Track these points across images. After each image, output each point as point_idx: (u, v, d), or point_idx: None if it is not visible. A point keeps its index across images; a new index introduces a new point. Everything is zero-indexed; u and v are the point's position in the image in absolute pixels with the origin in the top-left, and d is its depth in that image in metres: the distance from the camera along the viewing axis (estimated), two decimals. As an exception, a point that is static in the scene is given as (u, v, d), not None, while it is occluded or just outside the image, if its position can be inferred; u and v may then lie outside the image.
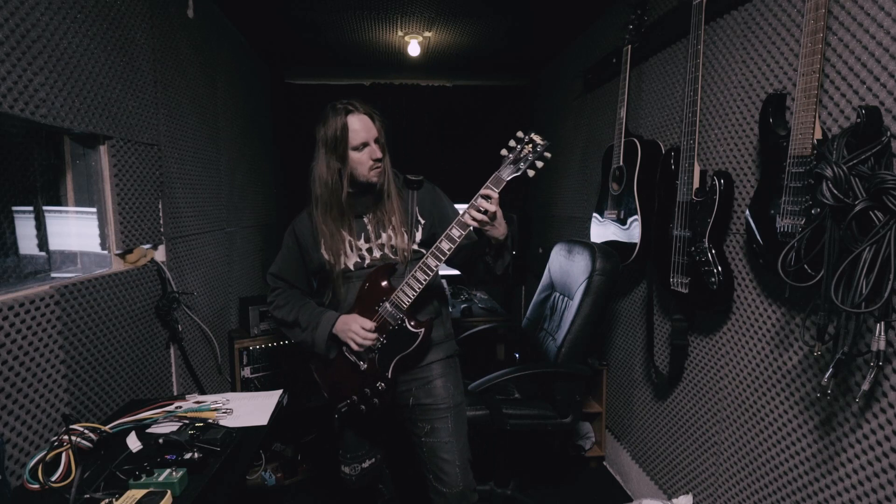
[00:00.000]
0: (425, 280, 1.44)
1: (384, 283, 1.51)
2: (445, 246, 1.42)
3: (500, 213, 1.40)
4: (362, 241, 1.55)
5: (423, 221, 1.59)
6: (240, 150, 2.75)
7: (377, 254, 1.56)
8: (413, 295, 1.46)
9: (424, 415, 1.56)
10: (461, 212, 1.44)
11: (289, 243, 1.64)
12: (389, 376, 1.51)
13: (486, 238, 1.44)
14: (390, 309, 1.48)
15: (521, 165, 1.37)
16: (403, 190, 1.59)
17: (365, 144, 1.46)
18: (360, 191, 1.52)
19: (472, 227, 1.39)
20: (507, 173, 1.38)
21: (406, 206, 1.57)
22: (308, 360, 1.68)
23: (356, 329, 1.48)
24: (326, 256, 1.56)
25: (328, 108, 1.48)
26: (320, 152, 1.49)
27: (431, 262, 1.44)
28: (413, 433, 1.59)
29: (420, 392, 1.56)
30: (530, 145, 1.38)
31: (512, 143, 1.40)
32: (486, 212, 1.36)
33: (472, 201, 1.38)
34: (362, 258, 1.56)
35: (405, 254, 1.54)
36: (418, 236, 1.58)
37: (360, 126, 1.45)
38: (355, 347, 1.50)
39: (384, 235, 1.55)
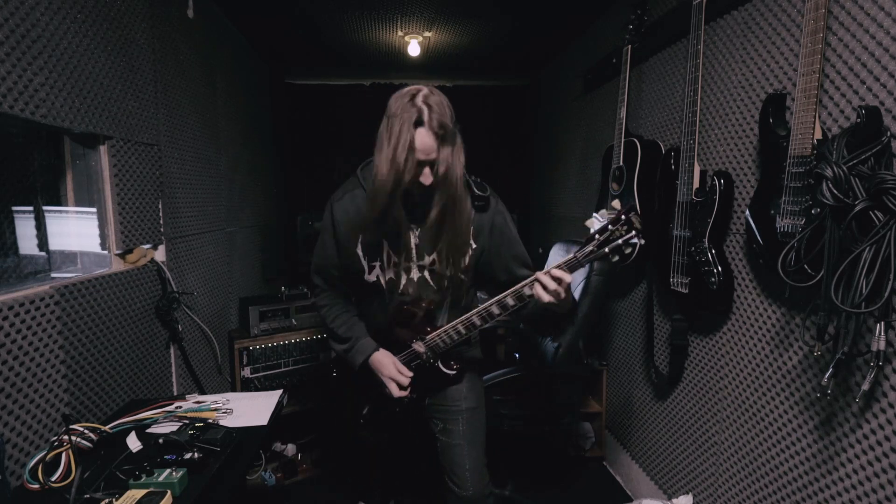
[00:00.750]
0: (466, 334, 1.38)
1: (425, 327, 1.43)
2: (496, 310, 1.31)
3: (569, 295, 1.26)
4: (403, 257, 1.40)
5: (474, 246, 1.42)
6: (240, 150, 2.75)
7: (416, 275, 1.41)
8: (450, 343, 1.41)
9: (438, 413, 1.54)
10: (521, 244, 1.38)
11: (326, 227, 1.47)
12: (415, 396, 1.51)
13: (544, 305, 1.27)
14: (426, 351, 1.44)
15: (606, 250, 1.17)
16: (471, 207, 1.40)
17: (422, 165, 1.27)
18: (415, 200, 1.34)
19: (528, 300, 1.27)
20: (588, 256, 1.20)
21: (463, 227, 1.38)
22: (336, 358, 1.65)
23: (396, 377, 1.44)
24: (363, 261, 1.41)
25: (408, 95, 1.26)
26: (385, 139, 1.27)
27: (477, 320, 1.34)
28: (430, 429, 1.58)
29: (436, 393, 1.55)
30: (626, 227, 1.16)
31: (604, 213, 1.23)
32: (552, 292, 1.21)
33: (541, 275, 1.23)
34: (398, 276, 1.41)
35: (445, 282, 1.41)
36: (465, 262, 1.41)
37: (421, 146, 1.24)
38: (391, 395, 1.46)
39: (428, 259, 1.40)
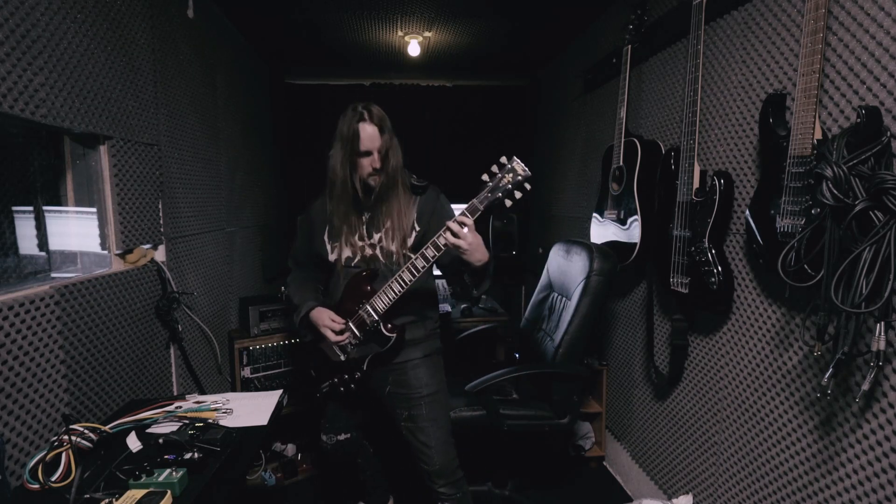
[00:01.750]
0: (400, 291, 1.53)
1: (367, 287, 1.60)
2: (420, 263, 1.48)
3: (477, 240, 1.42)
4: (357, 237, 1.64)
5: (417, 229, 1.63)
6: (240, 150, 2.75)
7: (368, 252, 1.64)
8: (388, 302, 1.55)
9: (400, 402, 1.67)
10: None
11: (302, 224, 1.79)
12: (365, 369, 1.65)
13: (463, 261, 1.45)
14: (369, 311, 1.58)
15: (499, 195, 1.38)
16: (409, 193, 1.64)
17: (368, 153, 1.54)
18: (363, 189, 1.60)
19: (445, 249, 1.43)
20: (483, 202, 1.39)
21: (404, 211, 1.62)
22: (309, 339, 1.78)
23: (328, 324, 1.61)
24: (327, 244, 1.67)
25: (350, 106, 1.57)
26: (337, 144, 1.57)
27: (406, 276, 1.51)
28: (395, 418, 1.70)
29: (396, 382, 1.68)
30: (511, 174, 1.37)
31: (494, 168, 1.40)
32: (459, 236, 1.38)
33: (449, 223, 1.40)
34: (354, 254, 1.65)
35: (394, 257, 1.61)
36: (410, 242, 1.62)
37: (366, 136, 1.52)
38: (330, 342, 1.63)
39: (376, 236, 1.63)
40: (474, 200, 1.40)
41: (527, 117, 4.02)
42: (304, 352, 1.79)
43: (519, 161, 1.38)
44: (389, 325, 1.59)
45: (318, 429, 1.86)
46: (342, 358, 1.67)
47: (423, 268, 1.48)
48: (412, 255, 1.59)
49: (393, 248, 1.61)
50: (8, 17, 1.11)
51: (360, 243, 1.63)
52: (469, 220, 1.39)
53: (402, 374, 1.67)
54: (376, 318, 1.57)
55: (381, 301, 1.56)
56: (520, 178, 1.37)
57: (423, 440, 1.65)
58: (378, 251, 1.63)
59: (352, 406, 1.83)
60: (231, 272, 2.54)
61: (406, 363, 1.66)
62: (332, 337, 1.61)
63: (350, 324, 1.62)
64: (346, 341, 1.63)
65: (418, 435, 1.65)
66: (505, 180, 1.37)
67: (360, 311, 1.60)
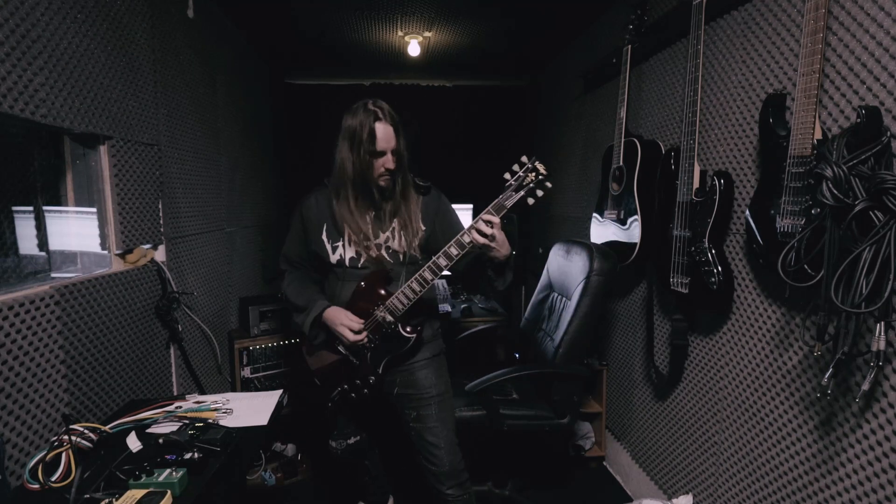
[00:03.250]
0: (420, 291, 1.51)
1: (381, 290, 1.56)
2: (443, 262, 1.47)
3: (501, 236, 1.44)
4: (362, 236, 1.59)
5: (423, 228, 1.63)
6: (240, 150, 2.75)
7: (374, 252, 1.59)
8: (407, 303, 1.53)
9: (409, 403, 1.66)
10: (464, 226, 1.49)
11: (295, 223, 1.71)
12: (381, 372, 1.60)
13: (488, 257, 1.48)
14: (385, 314, 1.55)
15: (523, 193, 1.41)
16: (414, 193, 1.64)
17: (382, 153, 1.51)
18: (371, 188, 1.56)
19: (469, 247, 1.44)
20: (509, 200, 1.41)
21: (412, 211, 1.61)
22: (302, 345, 1.75)
23: (347, 323, 1.55)
24: (327, 244, 1.62)
25: (360, 103, 1.53)
26: (345, 142, 1.53)
27: (427, 275, 1.49)
28: (402, 419, 1.69)
29: (404, 383, 1.66)
30: (533, 173, 1.40)
31: (515, 167, 1.42)
32: (487, 235, 1.40)
33: (473, 223, 1.41)
34: (359, 254, 1.60)
35: (400, 257, 1.60)
36: (416, 241, 1.62)
37: (382, 136, 1.49)
38: (346, 342, 1.57)
39: (382, 236, 1.60)
40: (500, 199, 1.42)
41: (527, 117, 4.02)
42: (302, 356, 1.76)
43: (540, 162, 1.41)
44: (409, 327, 1.57)
45: (326, 435, 1.85)
46: (356, 362, 1.62)
47: (445, 266, 1.47)
48: (418, 255, 1.62)
49: (400, 247, 1.59)
50: (8, 17, 1.11)
51: (366, 243, 1.59)
52: (496, 219, 1.40)
53: (410, 375, 1.65)
54: (393, 319, 1.55)
55: (400, 302, 1.53)
56: (541, 176, 1.40)
57: (432, 441, 1.63)
58: (384, 251, 1.60)
59: (360, 413, 1.82)
60: (231, 272, 2.54)
61: (414, 364, 1.65)
62: (350, 337, 1.55)
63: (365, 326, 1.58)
64: (363, 341, 1.58)
65: (427, 436, 1.63)
66: (528, 179, 1.40)
67: (375, 313, 1.56)
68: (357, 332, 1.55)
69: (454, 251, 1.46)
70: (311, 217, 1.66)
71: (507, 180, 1.42)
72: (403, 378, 1.66)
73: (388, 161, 1.52)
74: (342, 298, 1.63)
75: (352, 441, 1.83)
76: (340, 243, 1.61)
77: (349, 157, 1.52)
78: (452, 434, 1.67)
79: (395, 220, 1.60)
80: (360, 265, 1.61)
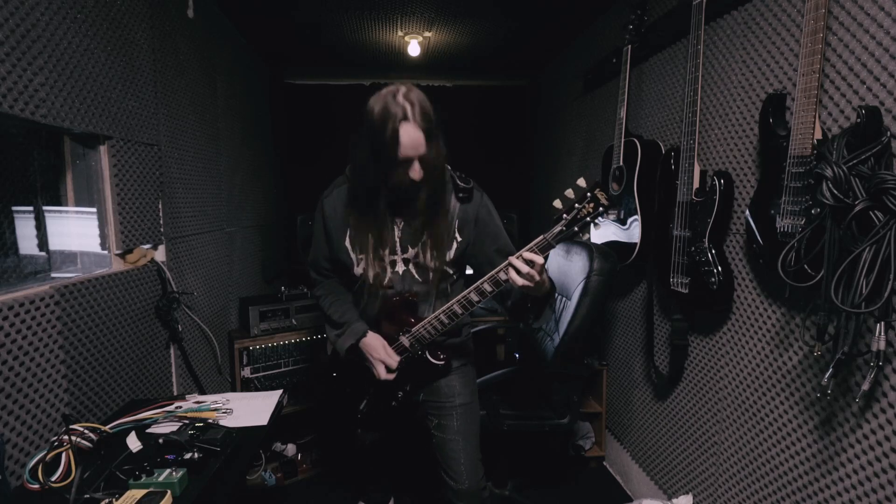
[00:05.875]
0: (449, 323, 1.40)
1: (408, 316, 1.46)
2: (475, 297, 1.32)
3: (544, 276, 1.26)
4: (388, 251, 1.42)
5: (459, 239, 1.43)
6: (240, 150, 2.75)
7: (400, 268, 1.44)
8: (434, 334, 1.43)
9: (432, 410, 1.57)
10: (506, 237, 1.39)
11: (317, 225, 1.53)
12: (409, 389, 1.55)
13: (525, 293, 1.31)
14: (412, 341, 1.46)
15: (575, 229, 1.20)
16: (451, 198, 1.41)
17: (409, 161, 1.27)
18: (397, 196, 1.35)
19: (505, 285, 1.29)
20: (559, 238, 1.21)
21: (446, 220, 1.40)
22: (333, 356, 1.65)
23: (384, 359, 1.45)
24: (351, 253, 1.45)
25: (389, 94, 1.25)
26: (366, 138, 1.28)
27: (458, 308, 1.35)
28: (426, 425, 1.61)
29: (429, 389, 1.58)
30: (592, 204, 1.19)
31: (570, 192, 1.21)
32: (524, 275, 1.21)
33: (513, 259, 1.22)
34: (384, 270, 1.43)
35: (430, 275, 1.43)
36: (450, 255, 1.43)
37: (408, 141, 1.24)
38: (377, 378, 1.48)
39: (412, 251, 1.42)
40: (547, 235, 1.21)
41: (527, 117, 4.02)
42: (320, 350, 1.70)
43: (601, 191, 1.20)
44: (439, 353, 1.47)
45: (352, 420, 1.70)
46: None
47: (477, 302, 1.32)
48: (450, 271, 1.45)
49: (431, 263, 1.41)
50: (8, 17, 1.11)
51: (392, 258, 1.42)
52: (539, 259, 1.20)
53: (433, 381, 1.57)
54: (422, 347, 1.46)
55: (427, 333, 1.42)
56: (601, 208, 1.19)
57: (451, 455, 1.52)
58: (412, 267, 1.43)
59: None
60: (231, 272, 2.54)
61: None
62: (384, 375, 1.44)
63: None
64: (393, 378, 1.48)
65: (446, 448, 1.53)
66: (584, 211, 1.19)
67: (401, 339, 1.46)
68: (390, 371, 1.45)
69: (488, 287, 1.29)
70: (334, 216, 1.46)
71: (559, 209, 1.20)
72: (428, 385, 1.58)
73: (414, 171, 1.27)
74: (368, 315, 1.52)
75: (377, 436, 1.79)
76: (364, 256, 1.43)
77: (368, 160, 1.29)
78: (475, 449, 1.55)
79: (427, 231, 1.39)
80: (385, 283, 1.45)
